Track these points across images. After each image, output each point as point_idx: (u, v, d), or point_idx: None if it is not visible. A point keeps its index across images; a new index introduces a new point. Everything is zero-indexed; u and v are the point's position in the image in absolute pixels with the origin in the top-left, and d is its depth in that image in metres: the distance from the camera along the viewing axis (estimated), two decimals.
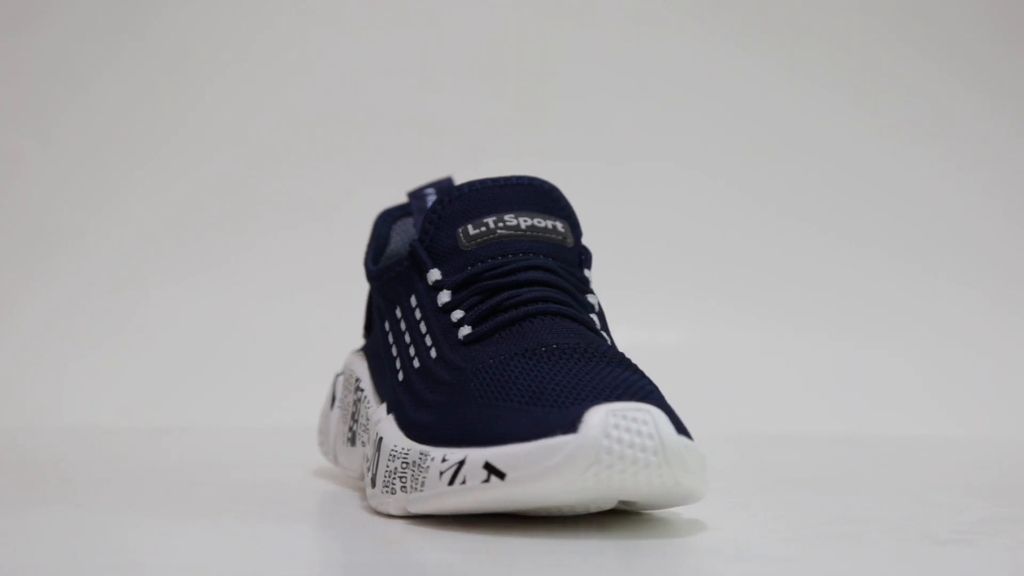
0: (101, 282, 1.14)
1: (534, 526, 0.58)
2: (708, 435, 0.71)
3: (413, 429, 0.61)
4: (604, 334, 0.63)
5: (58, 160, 1.16)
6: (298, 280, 1.15)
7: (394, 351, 0.66)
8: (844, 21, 1.24)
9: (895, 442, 1.04)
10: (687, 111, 1.22)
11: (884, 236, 1.22)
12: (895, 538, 0.60)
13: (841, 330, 1.19)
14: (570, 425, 0.55)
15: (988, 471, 0.90)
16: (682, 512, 0.62)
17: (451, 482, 0.57)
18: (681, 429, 0.57)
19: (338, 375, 0.76)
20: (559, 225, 0.64)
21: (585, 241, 0.66)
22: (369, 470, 0.64)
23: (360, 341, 0.76)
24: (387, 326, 0.67)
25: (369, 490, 0.63)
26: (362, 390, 0.72)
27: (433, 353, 0.62)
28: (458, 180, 0.68)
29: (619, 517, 0.60)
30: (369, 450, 0.65)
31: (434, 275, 0.63)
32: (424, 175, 0.85)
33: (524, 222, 0.63)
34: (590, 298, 0.64)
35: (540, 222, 0.64)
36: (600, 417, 0.54)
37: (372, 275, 0.69)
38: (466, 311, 0.62)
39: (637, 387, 0.57)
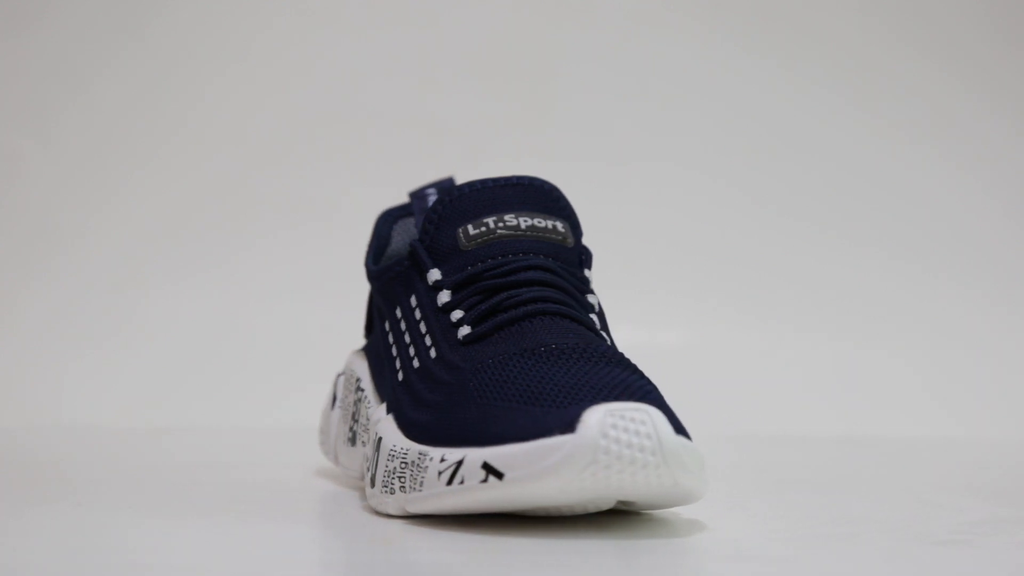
0: (101, 282, 1.14)
1: (533, 526, 0.58)
2: (708, 435, 0.71)
3: (412, 429, 0.61)
4: (604, 334, 0.63)
5: (58, 160, 1.16)
6: (298, 280, 1.15)
7: (394, 351, 0.66)
8: (844, 21, 1.24)
9: (895, 442, 1.04)
10: (687, 111, 1.22)
11: (884, 236, 1.22)
12: (895, 538, 0.60)
13: (841, 330, 1.19)
14: (568, 425, 0.55)
15: (988, 471, 0.90)
16: (682, 512, 0.62)
17: (449, 482, 0.57)
18: (679, 429, 0.57)
19: (339, 375, 0.76)
20: (559, 225, 0.64)
21: (585, 241, 0.66)
22: (369, 470, 0.64)
23: (361, 341, 0.76)
24: (387, 326, 0.67)
25: (368, 490, 0.63)
26: (362, 390, 0.72)
27: (432, 353, 0.62)
28: (459, 180, 0.68)
29: (618, 517, 0.60)
30: (369, 450, 0.65)
31: (434, 275, 0.63)
32: (424, 175, 0.85)
33: (524, 222, 0.64)
34: (590, 298, 0.64)
35: (540, 222, 0.64)
36: (598, 417, 0.54)
37: (372, 275, 0.69)
38: (466, 311, 0.62)
39: (636, 387, 0.57)
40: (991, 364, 1.17)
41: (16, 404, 1.07)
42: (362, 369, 0.73)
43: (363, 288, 0.75)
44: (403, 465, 0.60)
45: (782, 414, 1.12)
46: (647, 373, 0.60)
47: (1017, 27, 1.25)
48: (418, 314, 0.64)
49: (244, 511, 0.64)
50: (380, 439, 0.63)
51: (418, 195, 0.70)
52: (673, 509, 0.62)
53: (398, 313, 0.66)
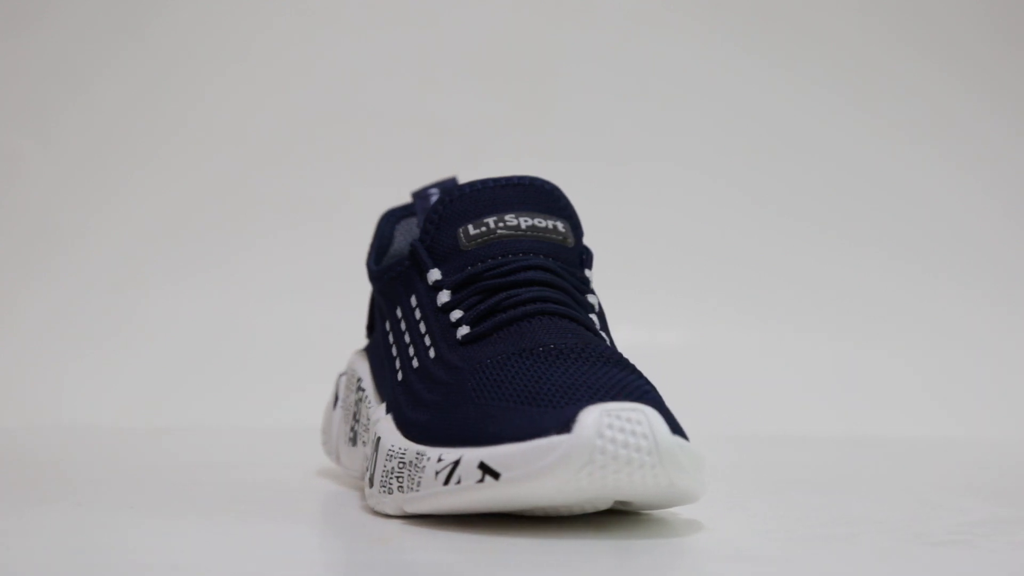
0: (101, 282, 1.14)
1: (531, 526, 0.58)
2: (708, 435, 0.71)
3: (410, 429, 0.61)
4: (604, 334, 0.63)
5: (58, 160, 1.16)
6: (298, 280, 1.15)
7: (394, 351, 0.66)
8: (844, 21, 1.24)
9: (895, 442, 1.04)
10: (687, 111, 1.22)
11: (884, 236, 1.22)
12: (894, 539, 0.60)
13: (841, 330, 1.19)
14: (564, 425, 0.55)
15: (988, 471, 0.90)
16: (681, 512, 0.62)
17: (446, 482, 0.57)
18: (676, 429, 0.57)
19: (341, 375, 0.76)
20: (560, 225, 0.64)
21: (585, 241, 0.66)
22: (368, 470, 0.64)
23: (362, 340, 0.76)
24: (388, 326, 0.67)
25: (367, 490, 0.63)
26: (363, 390, 0.72)
27: (432, 353, 0.62)
28: (460, 180, 0.68)
29: (616, 517, 0.60)
30: (368, 450, 0.65)
31: (434, 275, 0.63)
32: (424, 175, 0.85)
33: (524, 222, 0.64)
34: (590, 298, 0.64)
35: (540, 222, 0.64)
36: (594, 417, 0.54)
37: (374, 275, 0.69)
38: (465, 311, 0.62)
39: (633, 387, 0.57)
40: (991, 364, 1.17)
41: (16, 404, 1.07)
42: (363, 369, 0.73)
43: (363, 288, 0.75)
44: (401, 465, 0.60)
45: (782, 414, 1.12)
46: (647, 373, 0.60)
47: (1017, 27, 1.25)
48: (418, 314, 0.64)
49: (244, 511, 0.64)
50: (379, 439, 0.63)
51: (421, 195, 0.70)
52: (672, 509, 0.62)
53: (398, 313, 0.66)
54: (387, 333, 0.67)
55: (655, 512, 0.61)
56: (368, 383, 0.72)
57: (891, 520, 0.65)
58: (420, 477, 0.59)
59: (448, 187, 0.70)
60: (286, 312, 1.14)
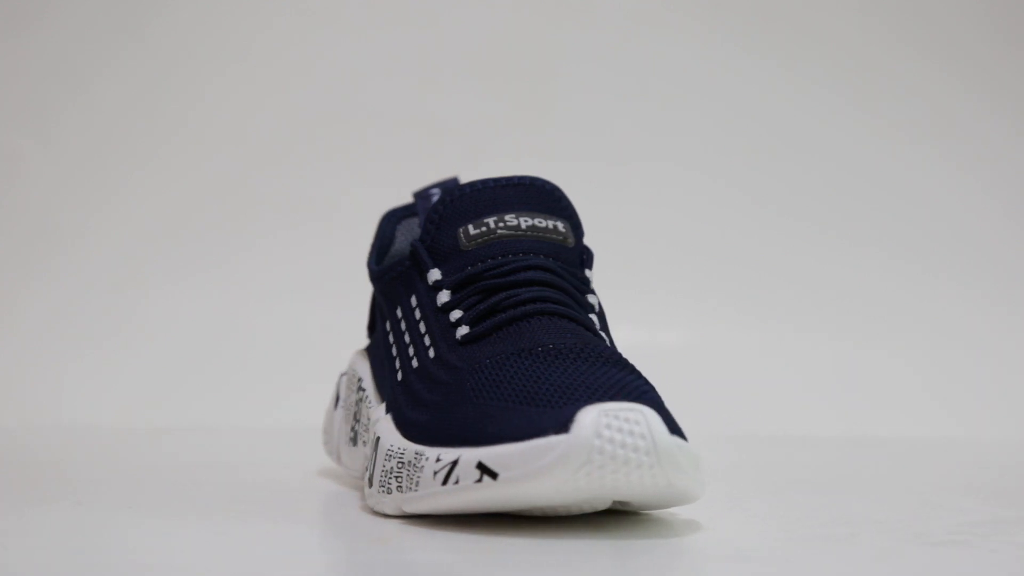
0: (101, 282, 1.14)
1: (530, 526, 0.58)
2: (708, 435, 0.71)
3: (410, 429, 0.61)
4: (603, 334, 0.63)
5: (58, 160, 1.16)
6: (298, 280, 1.15)
7: (394, 351, 0.66)
8: (844, 21, 1.24)
9: (895, 442, 1.04)
10: (687, 111, 1.22)
11: (884, 236, 1.22)
12: (894, 539, 0.60)
13: (841, 330, 1.19)
14: (562, 425, 0.55)
15: (988, 471, 0.90)
16: (681, 512, 0.62)
17: (444, 482, 0.57)
18: (675, 429, 0.57)
19: (342, 375, 0.76)
20: (560, 225, 0.64)
21: (585, 241, 0.66)
22: (367, 469, 0.64)
23: (362, 340, 0.76)
24: (388, 326, 0.67)
25: (367, 490, 0.63)
26: (364, 390, 0.72)
27: (431, 353, 0.62)
28: (461, 180, 0.68)
29: (615, 517, 0.60)
30: (368, 449, 0.65)
31: (434, 275, 0.63)
32: (424, 175, 0.85)
33: (524, 222, 0.64)
34: (590, 298, 0.64)
35: (541, 222, 0.64)
36: (592, 417, 0.54)
37: (374, 275, 0.69)
38: (464, 311, 0.62)
39: (631, 387, 0.57)
40: (991, 364, 1.17)
41: (16, 404, 1.07)
42: (364, 369, 0.73)
43: (363, 288, 0.75)
44: (400, 465, 0.60)
45: (782, 414, 1.12)
46: (647, 373, 0.60)
47: (1017, 27, 1.25)
48: (418, 314, 0.64)
49: (244, 511, 0.64)
50: (378, 439, 0.63)
51: (422, 195, 0.70)
52: (671, 509, 0.62)
53: (399, 313, 0.66)
54: (387, 333, 0.67)
55: (654, 512, 0.61)
56: (368, 383, 0.72)
57: (891, 520, 0.65)
58: (419, 477, 0.59)
59: (450, 187, 0.70)
60: (286, 312, 1.14)
